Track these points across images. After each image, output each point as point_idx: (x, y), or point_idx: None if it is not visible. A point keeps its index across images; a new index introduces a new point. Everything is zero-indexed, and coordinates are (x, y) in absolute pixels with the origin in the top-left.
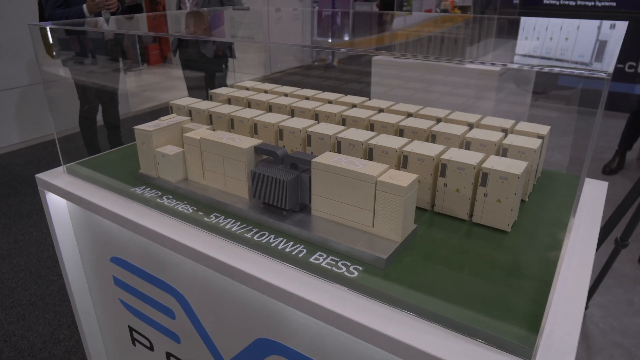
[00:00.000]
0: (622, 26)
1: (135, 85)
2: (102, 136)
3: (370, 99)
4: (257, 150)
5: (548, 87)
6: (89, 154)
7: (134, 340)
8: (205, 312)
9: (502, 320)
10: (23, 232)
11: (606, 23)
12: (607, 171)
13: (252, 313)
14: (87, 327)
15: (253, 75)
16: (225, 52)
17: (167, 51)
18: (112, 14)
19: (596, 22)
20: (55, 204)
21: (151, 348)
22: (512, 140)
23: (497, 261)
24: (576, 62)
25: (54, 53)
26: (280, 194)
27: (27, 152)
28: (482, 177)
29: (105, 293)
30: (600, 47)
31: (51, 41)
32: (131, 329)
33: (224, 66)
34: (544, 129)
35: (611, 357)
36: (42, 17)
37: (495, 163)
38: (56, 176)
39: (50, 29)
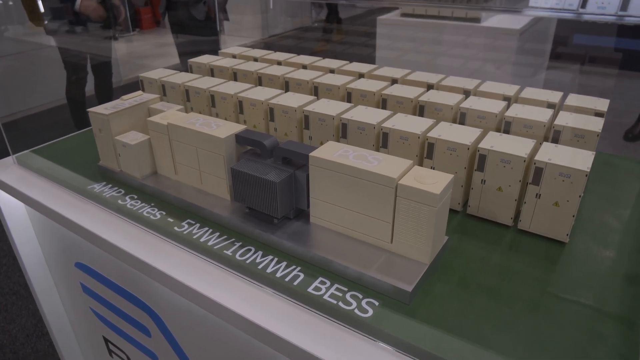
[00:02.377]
0: None
1: (127, 52)
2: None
3: (378, 67)
4: (239, 139)
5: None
6: (77, 128)
7: (110, 351)
8: (184, 335)
9: None
10: None
11: None
12: (630, 137)
13: (237, 345)
14: (59, 335)
15: (250, 38)
16: (218, 14)
17: (160, 15)
18: None
19: None
20: (5, 196)
21: None
22: (565, 119)
23: (558, 288)
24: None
25: (46, 22)
26: (268, 197)
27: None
28: (534, 172)
29: (76, 300)
30: None
31: (42, 10)
32: (106, 340)
33: (219, 29)
34: (603, 104)
35: None
36: None
37: (552, 154)
38: (4, 168)
39: None
